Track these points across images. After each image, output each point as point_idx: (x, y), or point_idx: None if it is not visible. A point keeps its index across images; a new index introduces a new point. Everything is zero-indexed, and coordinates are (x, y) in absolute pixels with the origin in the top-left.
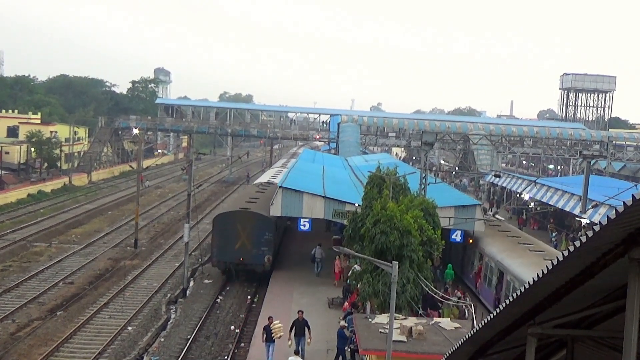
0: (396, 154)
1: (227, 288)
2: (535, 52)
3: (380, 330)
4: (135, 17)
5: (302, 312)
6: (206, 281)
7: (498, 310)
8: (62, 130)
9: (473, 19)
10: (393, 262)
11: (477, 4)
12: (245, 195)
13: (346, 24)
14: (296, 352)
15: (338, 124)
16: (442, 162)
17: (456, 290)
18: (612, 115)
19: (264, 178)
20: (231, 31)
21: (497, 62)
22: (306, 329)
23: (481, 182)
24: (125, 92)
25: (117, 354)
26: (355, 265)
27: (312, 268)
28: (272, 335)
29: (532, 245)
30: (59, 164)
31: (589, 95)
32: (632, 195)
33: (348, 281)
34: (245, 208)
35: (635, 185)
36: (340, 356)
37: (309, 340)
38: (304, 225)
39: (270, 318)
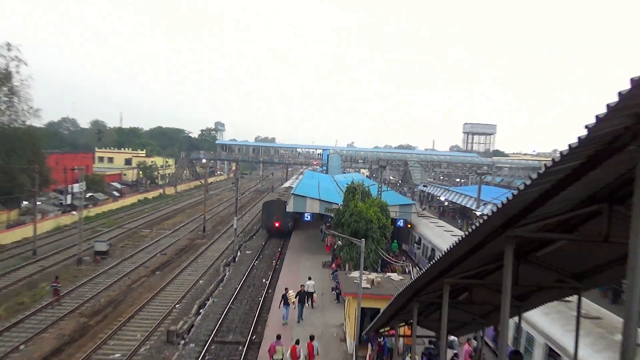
0: (363, 173)
1: (260, 256)
2: (448, 105)
3: (354, 281)
4: (201, 87)
5: (304, 286)
6: (247, 252)
7: (426, 268)
8: (158, 161)
9: (405, 79)
10: (362, 239)
11: (396, 64)
12: (277, 193)
13: (336, 88)
14: (300, 314)
15: (327, 155)
16: (390, 178)
17: (403, 258)
18: (495, 148)
19: (287, 184)
20: (267, 95)
21: (426, 113)
22: (310, 297)
23: (415, 190)
24: (197, 137)
25: (193, 297)
26: (339, 241)
27: (319, 238)
28: (288, 300)
29: (438, 223)
30: (156, 181)
31: (480, 136)
32: (507, 197)
33: (335, 251)
34: (279, 198)
35: (509, 191)
36: None
37: (315, 302)
38: (307, 217)
39: (286, 289)
